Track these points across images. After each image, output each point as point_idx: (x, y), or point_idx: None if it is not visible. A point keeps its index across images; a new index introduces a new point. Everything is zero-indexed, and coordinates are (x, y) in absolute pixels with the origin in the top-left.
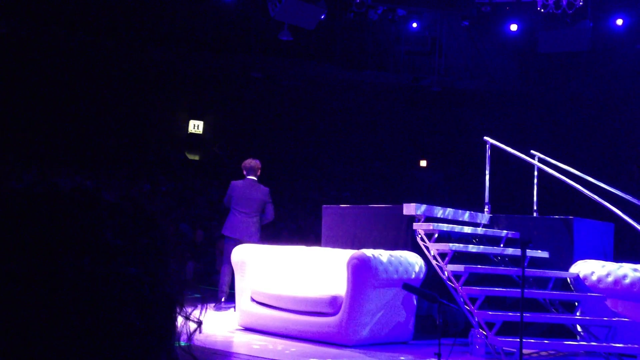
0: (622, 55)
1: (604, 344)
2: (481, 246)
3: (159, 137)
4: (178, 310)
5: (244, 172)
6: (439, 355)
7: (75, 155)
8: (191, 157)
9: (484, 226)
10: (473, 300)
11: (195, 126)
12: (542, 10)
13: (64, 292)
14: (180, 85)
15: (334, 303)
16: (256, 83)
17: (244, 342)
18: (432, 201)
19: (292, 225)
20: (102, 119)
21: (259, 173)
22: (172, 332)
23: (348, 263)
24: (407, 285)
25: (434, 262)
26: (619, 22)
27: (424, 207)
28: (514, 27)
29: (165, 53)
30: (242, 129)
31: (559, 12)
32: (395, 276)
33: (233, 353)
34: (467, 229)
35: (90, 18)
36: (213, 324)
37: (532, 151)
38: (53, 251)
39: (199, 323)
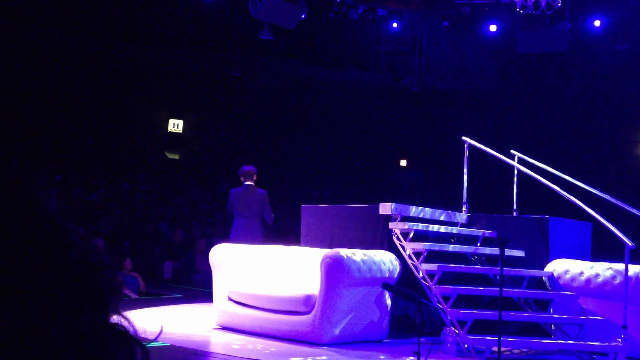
0: (600, 56)
1: (578, 342)
2: (457, 245)
3: (138, 135)
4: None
5: (241, 179)
6: (418, 354)
7: (53, 155)
8: (171, 156)
9: (462, 225)
10: (446, 298)
11: (175, 125)
12: (521, 11)
13: None
14: (159, 83)
15: (307, 302)
16: (236, 82)
17: (221, 341)
18: (412, 201)
19: (272, 225)
20: (80, 117)
21: (255, 178)
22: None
23: (321, 262)
24: (387, 285)
25: (409, 261)
26: (597, 23)
27: (399, 206)
28: (493, 28)
29: (145, 51)
30: (222, 128)
31: (537, 13)
32: (369, 275)
33: (212, 353)
34: (446, 229)
35: (68, 16)
36: (190, 323)
37: (511, 151)
38: None
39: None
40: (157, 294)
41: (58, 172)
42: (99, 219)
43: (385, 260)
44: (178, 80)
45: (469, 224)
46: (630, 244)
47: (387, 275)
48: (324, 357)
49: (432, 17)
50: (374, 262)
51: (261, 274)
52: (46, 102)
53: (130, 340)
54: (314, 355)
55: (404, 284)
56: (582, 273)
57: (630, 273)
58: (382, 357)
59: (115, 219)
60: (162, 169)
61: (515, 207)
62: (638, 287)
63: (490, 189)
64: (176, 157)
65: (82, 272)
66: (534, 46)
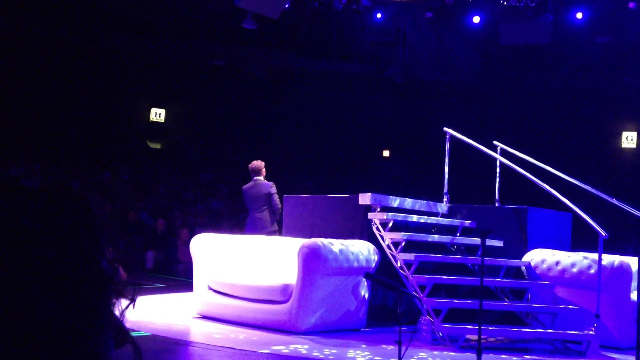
0: (582, 49)
1: (552, 331)
2: (436, 236)
3: (119, 125)
4: (112, 289)
5: (251, 175)
6: (399, 342)
7: (34, 143)
8: (153, 145)
9: (443, 216)
10: (423, 288)
11: (157, 114)
12: (505, 2)
13: None
14: (142, 72)
15: (285, 291)
16: (219, 71)
17: (202, 331)
18: (394, 191)
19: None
20: (61, 106)
21: (263, 172)
22: (105, 311)
23: (299, 252)
24: (369, 275)
25: (387, 251)
26: (579, 15)
27: (379, 196)
28: (476, 19)
29: (127, 40)
30: (205, 117)
31: (521, 4)
32: (346, 265)
33: (193, 342)
34: (426, 219)
35: (49, 3)
36: (172, 313)
37: (494, 142)
38: None
39: (132, 300)
40: (139, 283)
41: (38, 161)
42: None
43: (363, 250)
44: (160, 69)
45: (449, 214)
46: (603, 234)
47: (364, 264)
48: (305, 346)
49: (416, 8)
50: (352, 252)
51: (241, 264)
52: (27, 91)
53: (124, 337)
54: (295, 343)
55: (383, 273)
56: (558, 263)
57: (604, 262)
58: (363, 345)
59: (96, 208)
60: (144, 158)
61: (497, 197)
62: (612, 277)
63: (473, 180)
64: (158, 146)
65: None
66: (517, 38)
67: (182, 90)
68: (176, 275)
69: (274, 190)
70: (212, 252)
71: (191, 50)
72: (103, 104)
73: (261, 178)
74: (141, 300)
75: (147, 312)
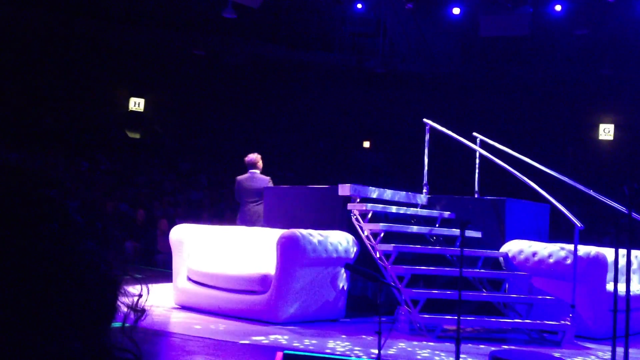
0: (561, 41)
1: (528, 321)
2: (415, 227)
3: (98, 114)
4: (120, 291)
5: (247, 168)
6: (379, 333)
7: (11, 132)
8: (132, 135)
9: (422, 207)
10: (401, 278)
11: (136, 104)
12: None
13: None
14: (121, 61)
15: (264, 281)
16: (199, 61)
17: (182, 321)
18: (375, 182)
19: (235, 206)
20: (39, 94)
21: (259, 165)
22: (113, 311)
23: (277, 242)
24: (349, 265)
25: (367, 242)
26: (558, 8)
27: (358, 187)
28: (456, 11)
29: (106, 28)
30: (184, 107)
31: None
32: (324, 255)
33: (173, 333)
34: (406, 210)
35: None
36: (151, 303)
37: (474, 133)
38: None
39: (143, 310)
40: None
41: (15, 150)
42: None
43: (341, 240)
44: (140, 58)
45: (429, 205)
46: (579, 225)
47: (343, 255)
48: (286, 337)
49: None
50: (330, 243)
51: (221, 254)
52: (2, 79)
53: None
54: (275, 334)
55: (363, 264)
56: (535, 253)
57: (581, 253)
58: (343, 336)
59: (74, 198)
60: (123, 148)
61: (477, 188)
62: (587, 267)
63: (453, 171)
64: (137, 136)
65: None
66: (497, 29)
67: (161, 80)
68: (155, 265)
69: (271, 185)
70: (191, 243)
71: (171, 39)
72: (81, 93)
73: (258, 171)
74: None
75: (126, 303)
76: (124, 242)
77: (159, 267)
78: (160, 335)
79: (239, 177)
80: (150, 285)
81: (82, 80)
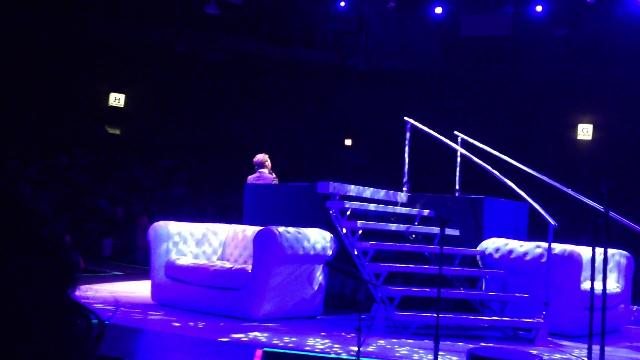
0: (541, 41)
1: (509, 319)
2: (393, 225)
3: (77, 109)
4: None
5: (256, 168)
6: (359, 330)
7: None
8: (112, 131)
9: (402, 205)
10: (378, 275)
11: (116, 99)
12: None
13: None
14: (101, 56)
15: (241, 278)
16: (181, 57)
17: (160, 318)
18: (356, 180)
19: (216, 202)
20: (17, 89)
21: (267, 164)
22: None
23: (254, 239)
24: (329, 263)
25: (345, 240)
26: (539, 8)
27: (337, 185)
28: (438, 10)
29: (87, 22)
30: (166, 103)
31: None
32: (302, 252)
33: (152, 330)
34: (385, 207)
35: None
36: (130, 300)
37: (455, 132)
38: None
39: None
40: (96, 271)
41: None
42: (35, 194)
43: (319, 238)
44: (121, 53)
45: (408, 203)
46: (553, 223)
47: (321, 252)
48: (265, 334)
49: None
50: (308, 240)
51: (198, 251)
52: None
53: (89, 312)
54: (254, 331)
55: (342, 261)
56: (511, 251)
57: (556, 251)
58: (322, 333)
59: (52, 194)
60: (103, 143)
61: (457, 187)
62: (562, 265)
63: (435, 169)
64: (117, 132)
65: (53, 247)
66: (478, 29)
67: (142, 76)
68: (135, 262)
69: (276, 182)
70: (170, 239)
71: (152, 35)
72: (61, 88)
73: (266, 171)
74: (99, 287)
75: (104, 300)
76: (103, 238)
77: (139, 264)
78: (138, 332)
79: (249, 177)
80: (129, 283)
81: (62, 75)
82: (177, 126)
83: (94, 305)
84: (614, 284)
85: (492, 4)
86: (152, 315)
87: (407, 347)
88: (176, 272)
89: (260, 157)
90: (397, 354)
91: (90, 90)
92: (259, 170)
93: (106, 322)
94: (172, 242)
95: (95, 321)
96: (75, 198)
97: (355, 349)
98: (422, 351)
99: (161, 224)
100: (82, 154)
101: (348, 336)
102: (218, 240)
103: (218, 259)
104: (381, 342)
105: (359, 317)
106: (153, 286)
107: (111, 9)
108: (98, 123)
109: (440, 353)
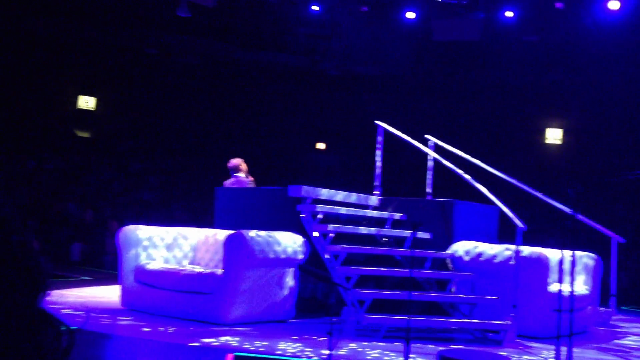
0: (511, 46)
1: (480, 321)
2: (364, 228)
3: (45, 112)
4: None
5: (231, 173)
6: (330, 333)
7: None
8: (81, 134)
9: (374, 208)
10: (349, 279)
11: (86, 102)
12: None
13: None
14: (70, 58)
15: (211, 282)
16: (151, 59)
17: (129, 323)
18: (329, 184)
19: (187, 206)
20: None
21: (242, 168)
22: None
23: (224, 243)
24: (301, 267)
25: (316, 243)
26: (509, 14)
27: (309, 189)
28: (411, 15)
29: (56, 24)
30: (135, 106)
31: (454, 1)
32: (272, 256)
33: (121, 336)
34: (356, 211)
35: None
36: (99, 306)
37: (426, 136)
38: None
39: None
40: (64, 276)
41: None
42: (2, 199)
43: (290, 241)
44: (90, 55)
45: (380, 206)
46: (521, 226)
47: (292, 256)
48: (236, 338)
49: (352, 2)
50: (279, 244)
51: (168, 255)
52: None
53: (58, 321)
54: (225, 335)
55: (313, 265)
56: (481, 254)
57: (524, 254)
58: (294, 337)
59: (19, 198)
60: (71, 147)
61: (429, 190)
62: (530, 268)
63: (407, 173)
64: (86, 135)
65: (23, 255)
66: (449, 34)
67: (112, 78)
68: (104, 267)
69: (252, 185)
70: (140, 244)
71: (123, 37)
72: (28, 90)
73: (242, 174)
74: (67, 293)
75: (73, 305)
76: (72, 243)
77: (108, 269)
78: (107, 338)
79: (226, 182)
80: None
81: (30, 77)
82: (147, 129)
83: (62, 311)
84: (582, 286)
85: (463, 10)
86: (121, 320)
87: (379, 350)
88: (146, 277)
89: (235, 161)
90: (369, 357)
91: (59, 93)
92: (235, 174)
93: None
94: (142, 247)
95: (64, 328)
96: (43, 202)
97: (327, 352)
98: (393, 354)
99: (131, 228)
100: (50, 157)
101: (319, 340)
102: (189, 245)
103: (189, 264)
104: (352, 345)
105: (330, 320)
106: (122, 291)
107: (81, 10)
108: (67, 126)
109: (411, 355)
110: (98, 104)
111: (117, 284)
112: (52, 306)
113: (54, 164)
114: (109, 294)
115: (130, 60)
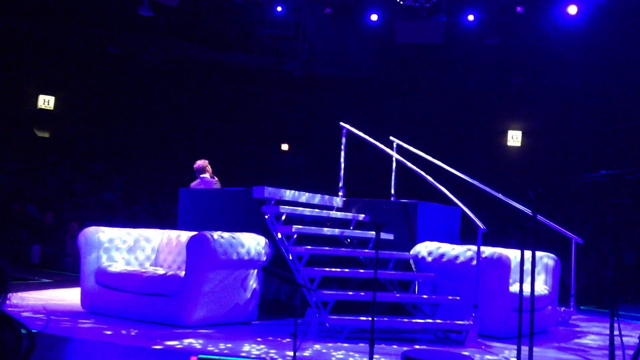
0: (473, 49)
1: (442, 321)
2: (328, 229)
3: (4, 111)
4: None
5: (197, 174)
6: (294, 335)
7: None
8: (40, 134)
9: (338, 209)
10: (312, 280)
11: (46, 101)
12: (401, 2)
13: None
14: (29, 56)
15: (174, 284)
16: (113, 59)
17: (90, 326)
18: (293, 185)
19: (149, 208)
20: None
21: (208, 169)
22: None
23: (187, 244)
24: (265, 268)
25: (280, 244)
26: (471, 17)
27: (272, 190)
28: (374, 17)
29: (15, 21)
30: (97, 106)
31: (416, 5)
32: (235, 257)
33: (82, 339)
34: (320, 212)
35: None
36: (59, 308)
37: (390, 137)
38: None
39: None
40: (24, 278)
41: None
42: None
43: (253, 242)
44: (50, 53)
45: (344, 207)
46: (482, 227)
47: (255, 257)
48: (200, 341)
49: (316, 3)
50: (242, 245)
51: (129, 257)
52: None
53: (17, 324)
54: (189, 337)
55: (277, 266)
56: (443, 255)
57: (486, 254)
58: (258, 339)
59: None
60: (31, 147)
61: (393, 192)
62: (491, 268)
63: (371, 174)
64: (46, 135)
65: None
66: (412, 37)
67: (73, 77)
68: (65, 269)
69: (218, 186)
70: (101, 246)
71: (84, 36)
72: None
73: (207, 175)
74: (27, 295)
75: (33, 308)
76: (31, 245)
77: (68, 271)
78: (68, 341)
79: (192, 184)
80: (58, 290)
81: None
82: (109, 129)
83: (23, 314)
84: (542, 286)
85: (426, 13)
86: (82, 323)
87: (343, 351)
88: (107, 279)
89: (200, 162)
90: (333, 358)
91: (18, 92)
92: (200, 175)
93: (36, 332)
94: (103, 249)
95: (24, 332)
96: (1, 203)
97: (291, 354)
98: (357, 355)
99: (92, 230)
100: (9, 157)
101: (284, 341)
102: (151, 247)
103: (151, 266)
104: (317, 346)
105: (295, 322)
106: (83, 294)
107: (41, 8)
108: (26, 126)
109: (375, 356)
110: (58, 104)
111: (78, 286)
112: (12, 309)
113: (13, 165)
114: (69, 297)
115: (92, 59)
